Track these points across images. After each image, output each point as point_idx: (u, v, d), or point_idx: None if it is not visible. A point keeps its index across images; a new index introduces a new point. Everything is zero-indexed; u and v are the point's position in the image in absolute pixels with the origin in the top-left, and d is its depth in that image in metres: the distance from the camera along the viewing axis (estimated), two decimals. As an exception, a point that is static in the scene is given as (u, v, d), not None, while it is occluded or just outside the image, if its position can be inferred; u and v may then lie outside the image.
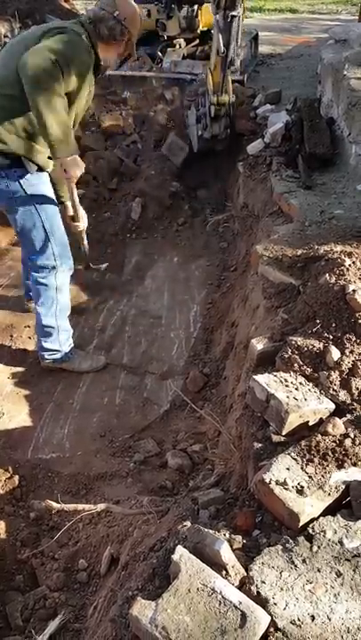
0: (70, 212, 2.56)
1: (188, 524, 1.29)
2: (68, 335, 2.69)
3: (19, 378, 2.70)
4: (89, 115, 4.29)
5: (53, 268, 2.48)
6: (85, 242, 2.75)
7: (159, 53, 5.08)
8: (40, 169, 2.31)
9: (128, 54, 2.38)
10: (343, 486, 1.25)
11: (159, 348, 2.93)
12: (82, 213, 2.57)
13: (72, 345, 2.74)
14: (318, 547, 1.15)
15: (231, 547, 1.19)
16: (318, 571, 1.11)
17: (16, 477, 2.14)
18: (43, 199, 2.35)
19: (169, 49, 5.13)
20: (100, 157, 4.11)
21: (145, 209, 3.96)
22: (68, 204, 2.53)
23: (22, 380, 2.69)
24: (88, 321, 3.13)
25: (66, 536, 1.83)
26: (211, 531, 1.22)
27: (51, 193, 2.40)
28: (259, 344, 1.71)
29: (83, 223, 2.60)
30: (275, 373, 1.52)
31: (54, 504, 1.68)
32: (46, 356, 2.68)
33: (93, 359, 2.80)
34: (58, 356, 2.68)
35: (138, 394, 2.65)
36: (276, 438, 1.42)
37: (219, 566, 1.13)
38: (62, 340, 2.65)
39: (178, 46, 5.17)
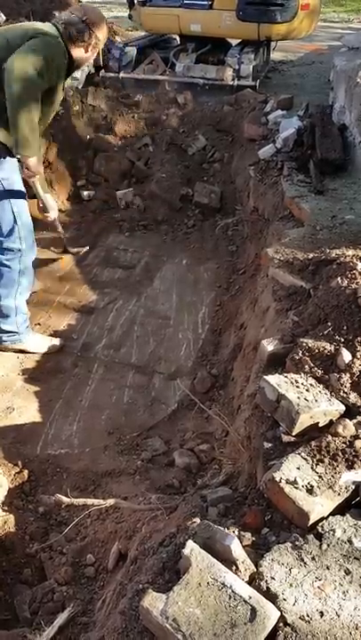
0: (40, 203, 2.76)
1: (198, 520, 1.31)
2: (24, 318, 2.80)
3: (29, 374, 2.73)
4: (102, 117, 4.33)
5: (19, 250, 2.58)
6: (60, 229, 3.06)
7: (172, 57, 5.12)
8: (10, 155, 2.42)
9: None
10: (353, 486, 1.27)
11: (167, 349, 2.95)
12: (51, 204, 2.78)
13: (28, 327, 2.84)
14: (328, 545, 1.17)
15: (241, 543, 1.20)
16: (327, 568, 1.13)
17: (25, 472, 2.16)
18: (13, 183, 2.47)
19: (182, 53, 5.18)
20: (111, 159, 4.15)
21: (155, 211, 3.99)
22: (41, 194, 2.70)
23: (32, 376, 2.72)
24: (97, 320, 3.15)
25: (74, 531, 1.85)
26: (221, 527, 1.24)
27: (20, 179, 2.52)
28: (269, 345, 1.73)
29: (53, 213, 2.82)
30: (285, 374, 1.53)
31: (64, 498, 1.70)
32: (4, 338, 2.78)
33: (49, 341, 2.90)
34: (16, 337, 2.78)
35: (146, 393, 2.67)
36: (286, 438, 1.43)
37: (229, 562, 1.14)
38: (19, 322, 2.75)
39: (190, 50, 5.22)
